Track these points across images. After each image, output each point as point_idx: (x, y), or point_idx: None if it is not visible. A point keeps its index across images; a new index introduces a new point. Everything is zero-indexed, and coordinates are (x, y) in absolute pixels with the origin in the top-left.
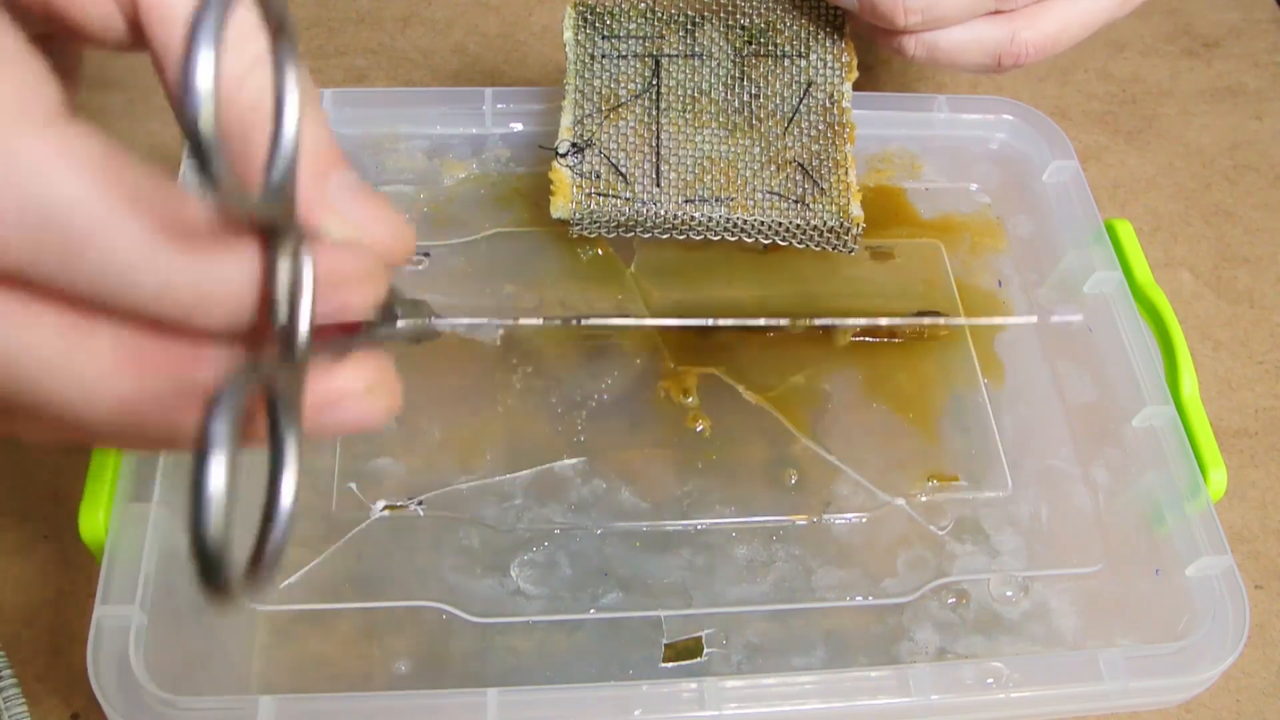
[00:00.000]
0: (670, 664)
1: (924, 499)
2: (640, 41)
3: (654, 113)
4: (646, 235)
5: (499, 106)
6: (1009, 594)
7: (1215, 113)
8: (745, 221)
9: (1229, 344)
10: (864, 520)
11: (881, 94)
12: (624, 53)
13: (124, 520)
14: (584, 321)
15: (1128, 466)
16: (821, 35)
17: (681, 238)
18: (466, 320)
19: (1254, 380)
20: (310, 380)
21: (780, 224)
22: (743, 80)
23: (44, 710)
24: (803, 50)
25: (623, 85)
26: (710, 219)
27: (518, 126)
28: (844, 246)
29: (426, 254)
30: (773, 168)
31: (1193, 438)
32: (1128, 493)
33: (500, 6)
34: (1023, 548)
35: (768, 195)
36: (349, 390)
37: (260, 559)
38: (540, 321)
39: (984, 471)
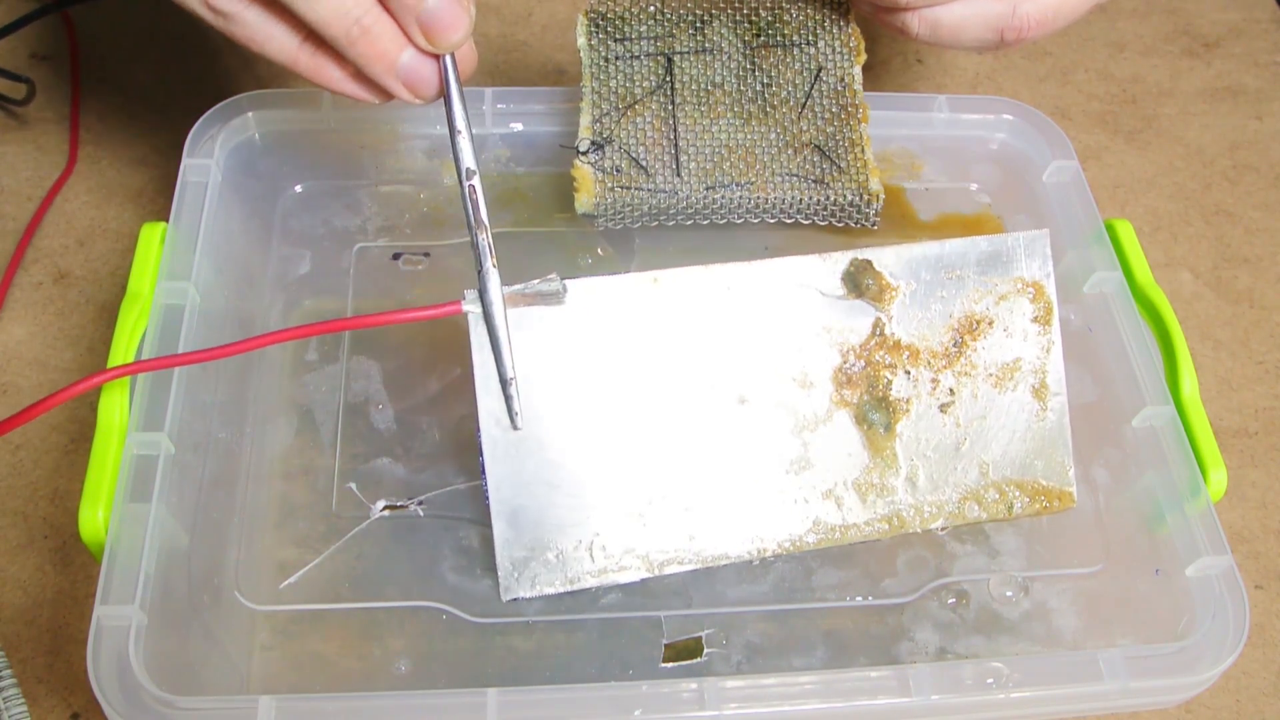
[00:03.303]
0: (670, 664)
1: None
2: (651, 42)
3: (669, 107)
4: (670, 224)
5: (499, 106)
6: (1009, 594)
7: (1215, 113)
8: (767, 201)
9: (1229, 344)
10: None
11: (881, 94)
12: (636, 53)
13: (124, 520)
14: (645, 273)
15: (1128, 466)
16: (828, 22)
17: (705, 223)
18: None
19: (1254, 380)
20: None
21: (801, 201)
22: (754, 71)
23: (44, 710)
24: (810, 38)
25: (637, 84)
26: (732, 201)
27: (518, 126)
28: (865, 220)
29: (426, 254)
30: (790, 151)
31: (1193, 438)
32: (1128, 493)
33: (500, 7)
34: (1022, 548)
35: (787, 177)
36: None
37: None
38: (600, 277)
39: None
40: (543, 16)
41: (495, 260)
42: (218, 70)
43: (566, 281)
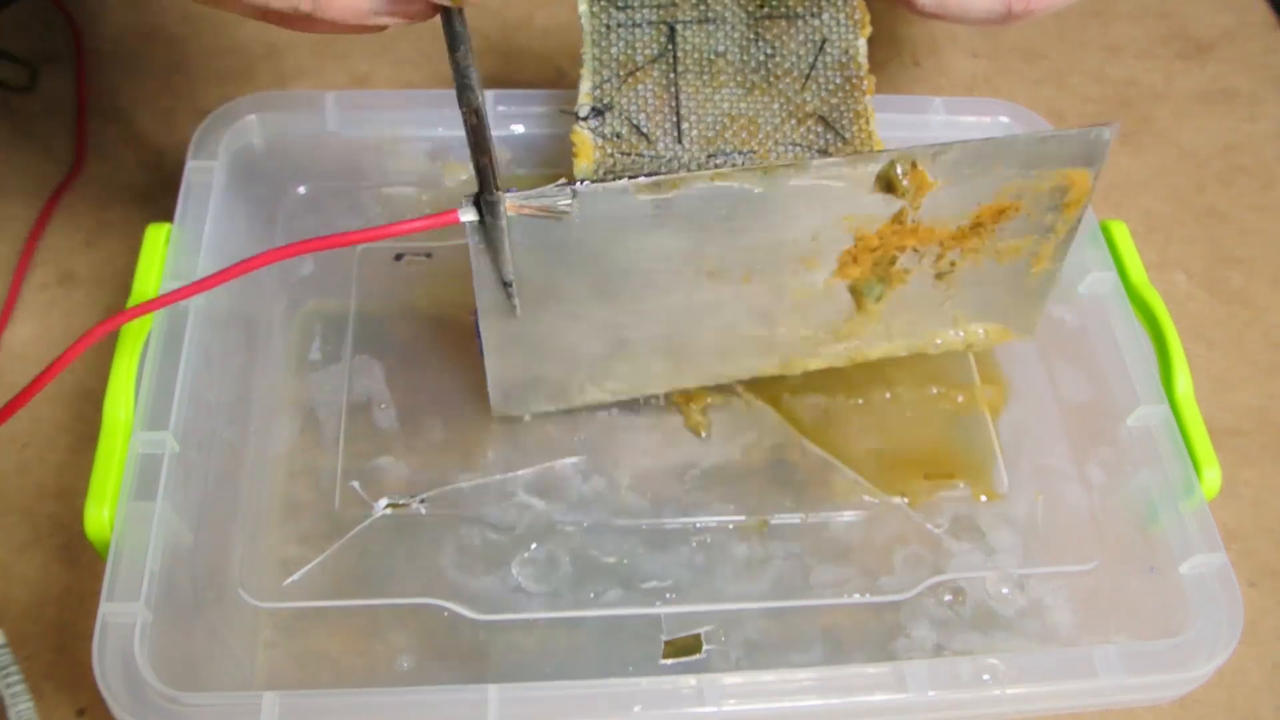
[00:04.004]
0: (670, 660)
1: (921, 498)
2: (653, 10)
3: (671, 76)
4: None
5: (500, 109)
6: (1005, 591)
7: (1209, 115)
8: None
9: (1223, 344)
10: (861, 518)
11: (878, 96)
12: (638, 21)
13: (129, 518)
14: (652, 178)
15: (1122, 465)
16: None
17: None
18: (537, 190)
19: (1247, 380)
20: None
21: None
22: (757, 41)
23: (50, 706)
24: (814, 10)
25: (639, 52)
26: (734, 167)
27: (519, 129)
28: None
29: (429, 254)
30: (793, 121)
31: (1187, 437)
32: (1122, 491)
33: (501, 10)
34: (1019, 546)
35: (790, 147)
36: None
37: None
38: (605, 185)
39: (980, 470)
40: (543, 20)
41: (499, 189)
42: (222, 73)
43: (575, 186)
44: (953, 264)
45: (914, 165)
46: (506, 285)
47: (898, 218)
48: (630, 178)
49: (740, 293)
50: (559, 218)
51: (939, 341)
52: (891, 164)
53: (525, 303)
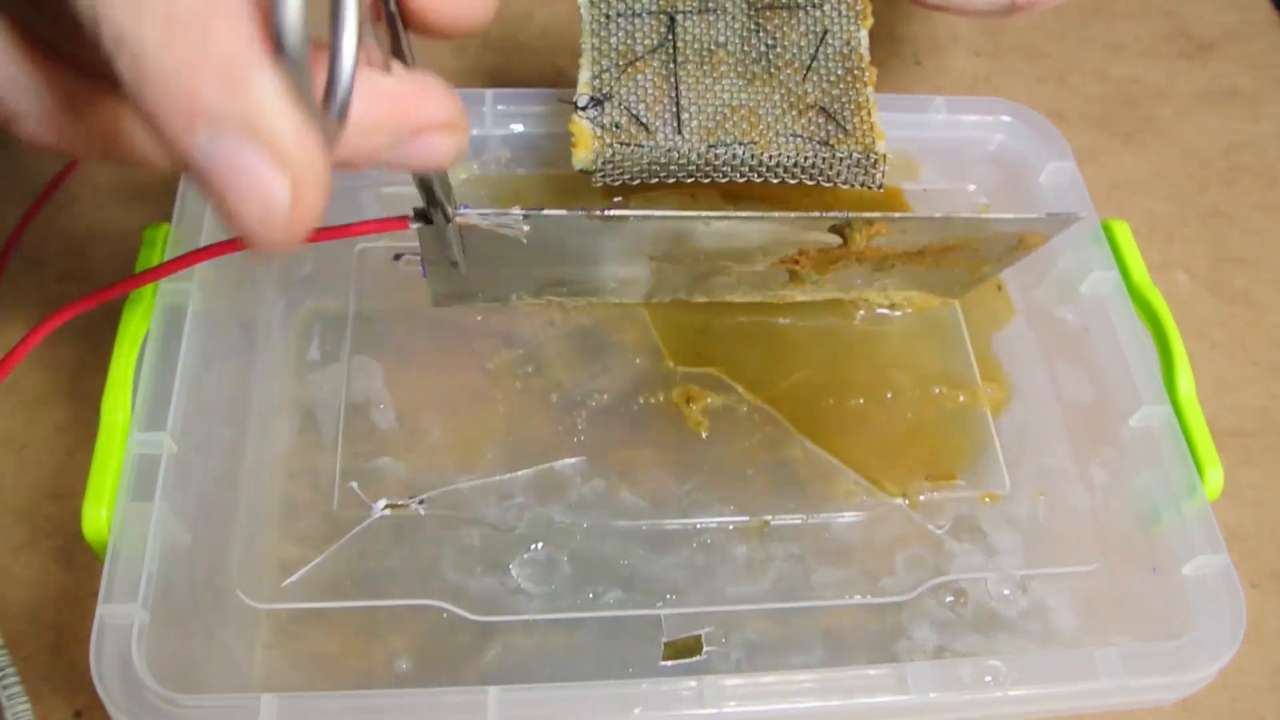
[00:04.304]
0: (670, 662)
1: (922, 498)
2: (653, 0)
3: (671, 66)
4: (671, 181)
5: (499, 108)
6: (1007, 592)
7: (1211, 114)
8: (771, 160)
9: (1225, 344)
10: (862, 519)
11: (880, 95)
12: (638, 11)
13: (127, 518)
14: (609, 212)
15: (1124, 466)
16: None
17: (706, 181)
18: (492, 210)
19: (1250, 380)
20: (397, 108)
21: (806, 161)
22: (758, 32)
23: (47, 708)
24: (816, 1)
25: (639, 42)
26: (735, 159)
27: (518, 128)
28: (871, 182)
29: None
30: (794, 113)
31: (1189, 437)
32: (1124, 492)
33: (500, 9)
34: (1020, 546)
35: (791, 138)
36: (432, 123)
37: (329, 92)
38: (564, 212)
39: (982, 471)
40: (543, 18)
41: (450, 219)
42: None
43: (530, 213)
44: (892, 266)
45: (869, 223)
46: (453, 264)
47: (844, 246)
48: (584, 209)
49: (680, 269)
50: (510, 236)
51: (865, 299)
52: (849, 222)
53: (470, 267)
